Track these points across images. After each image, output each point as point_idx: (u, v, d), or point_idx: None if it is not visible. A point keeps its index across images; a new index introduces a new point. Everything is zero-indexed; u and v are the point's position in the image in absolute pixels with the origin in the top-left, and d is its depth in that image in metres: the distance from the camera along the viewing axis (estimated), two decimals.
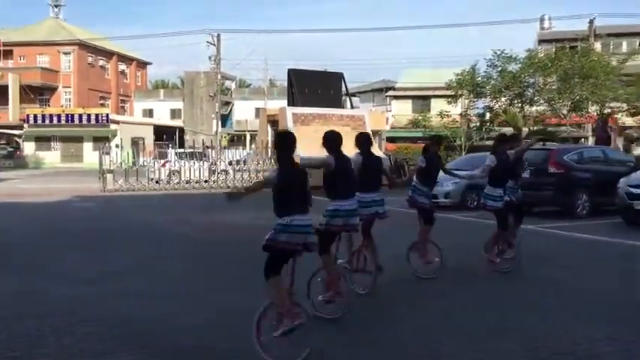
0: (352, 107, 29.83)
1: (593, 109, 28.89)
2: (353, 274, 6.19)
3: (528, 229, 12.03)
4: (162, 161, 25.65)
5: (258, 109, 47.43)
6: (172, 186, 23.63)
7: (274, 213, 4.62)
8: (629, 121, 28.95)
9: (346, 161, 5.75)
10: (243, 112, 59.55)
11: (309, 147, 22.05)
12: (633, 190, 12.12)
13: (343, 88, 27.08)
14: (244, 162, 26.17)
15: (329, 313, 5.53)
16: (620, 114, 28.39)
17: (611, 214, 13.05)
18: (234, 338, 5.04)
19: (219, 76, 48.60)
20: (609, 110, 28.41)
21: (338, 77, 27.03)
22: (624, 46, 35.06)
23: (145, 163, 25.68)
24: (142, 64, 67.81)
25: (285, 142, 4.77)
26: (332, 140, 5.70)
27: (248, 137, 54.39)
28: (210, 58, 49.16)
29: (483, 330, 5.32)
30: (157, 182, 23.81)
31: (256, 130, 33.64)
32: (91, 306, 6.14)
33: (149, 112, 59.74)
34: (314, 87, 25.30)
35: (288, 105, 24.91)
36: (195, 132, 50.85)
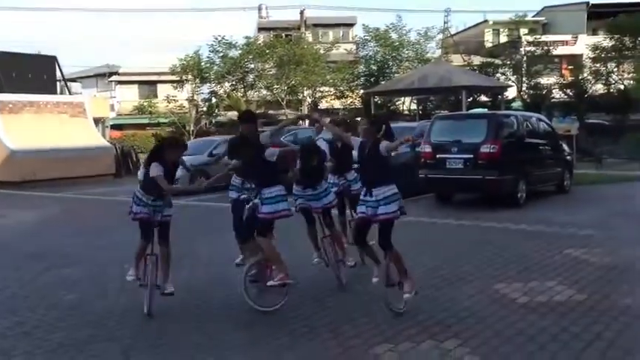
0: (70, 93, 27.75)
1: (306, 94, 31.61)
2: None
3: None
4: None
5: None
6: None
7: None
8: (336, 103, 32.37)
9: None
10: None
11: (21, 138, 20.21)
12: None
13: (58, 73, 25.01)
14: None
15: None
16: (329, 97, 31.59)
17: None
18: None
19: None
20: (319, 94, 31.41)
21: (51, 61, 24.85)
22: (330, 36, 38.98)
23: None
24: None
25: None
26: None
27: None
28: None
29: None
30: None
31: None
32: None
33: None
34: (23, 71, 22.88)
35: None
36: None
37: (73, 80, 39.76)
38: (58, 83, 25.41)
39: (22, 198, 16.66)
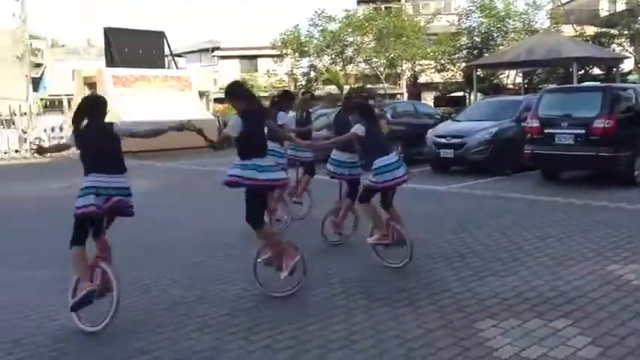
0: (177, 68, 28.94)
1: (405, 67, 31.05)
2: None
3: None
4: None
5: (74, 72, 44.03)
6: None
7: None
8: (437, 77, 31.57)
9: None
10: (59, 74, 54.67)
11: (133, 110, 21.38)
12: (439, 140, 13.37)
13: (166, 48, 26.14)
14: (61, 128, 24.28)
15: None
16: (429, 71, 30.86)
17: (422, 162, 14.28)
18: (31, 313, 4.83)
19: (26, 35, 43.99)
20: (419, 68, 30.74)
21: (160, 36, 26.01)
22: (432, 7, 37.91)
23: None
24: None
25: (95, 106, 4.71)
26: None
27: (65, 102, 50.38)
28: (13, 14, 44.24)
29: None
30: None
31: (73, 95, 31.25)
32: None
33: None
34: (134, 47, 24.14)
35: (107, 66, 23.52)
36: (2, 98, 45.90)
37: (179, 55, 41.51)
38: (165, 58, 26.59)
39: (131, 168, 17.61)
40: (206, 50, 51.53)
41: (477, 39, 29.36)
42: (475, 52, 29.01)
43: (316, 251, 6.40)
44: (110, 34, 24.00)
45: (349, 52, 30.15)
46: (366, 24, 29.07)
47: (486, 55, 27.02)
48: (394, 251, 5.87)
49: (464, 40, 30.44)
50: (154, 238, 7.61)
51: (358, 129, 5.85)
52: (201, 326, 4.51)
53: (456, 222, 8.05)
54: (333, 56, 30.37)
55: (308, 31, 30.18)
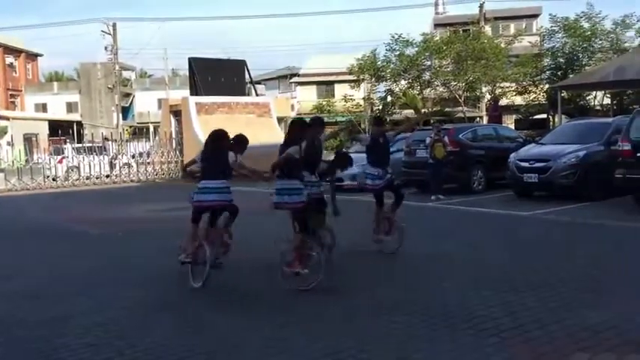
0: (257, 95, 29.74)
1: (485, 90, 30.39)
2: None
3: (429, 206, 12.64)
4: (59, 157, 24.43)
5: (160, 100, 46.17)
6: (71, 182, 22.59)
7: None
8: (518, 99, 30.68)
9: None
10: (145, 103, 57.59)
11: None
12: (522, 164, 12.94)
13: (247, 76, 26.94)
14: (148, 154, 25.46)
15: None
16: (510, 93, 30.04)
17: (504, 187, 13.88)
18: (152, 333, 5.00)
19: (117, 67, 46.73)
20: (500, 90, 30.01)
21: (241, 65, 26.86)
22: (512, 29, 37.07)
23: (40, 160, 24.33)
24: (32, 56, 63.75)
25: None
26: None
27: (151, 129, 52.80)
28: (106, 48, 47.10)
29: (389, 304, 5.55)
30: (53, 179, 22.67)
31: (159, 122, 32.77)
32: None
33: (42, 107, 56.43)
34: (217, 75, 25.00)
35: (191, 94, 24.48)
36: (94, 125, 48.72)
37: (258, 82, 42.66)
38: (246, 85, 27.38)
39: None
40: (284, 77, 52.77)
41: (561, 60, 28.34)
42: (559, 73, 28.00)
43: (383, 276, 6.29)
44: (194, 63, 25.02)
45: (427, 75, 29.90)
46: (444, 47, 28.77)
47: (571, 76, 26.04)
48: None
49: (547, 61, 29.46)
50: None
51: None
52: None
53: (541, 249, 7.72)
54: (410, 80, 30.19)
55: (385, 55, 30.22)
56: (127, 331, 5.05)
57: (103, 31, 43.67)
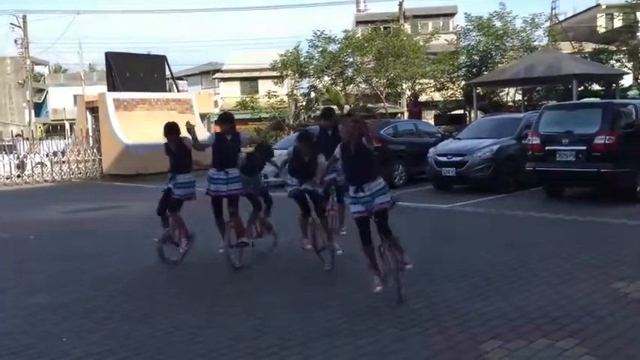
0: (178, 91, 29.10)
1: (405, 86, 31.16)
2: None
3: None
4: None
5: (76, 96, 44.28)
6: None
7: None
8: (436, 96, 31.65)
9: None
10: (60, 99, 55.13)
11: (135, 133, 21.41)
12: (440, 159, 13.37)
13: (167, 72, 26.30)
14: (63, 153, 24.36)
15: None
16: (429, 90, 30.97)
17: (424, 181, 14.29)
18: (48, 338, 4.80)
19: (28, 61, 44.41)
20: (419, 86, 30.87)
21: (161, 60, 26.16)
22: (430, 27, 38.18)
23: None
24: None
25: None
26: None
27: (67, 126, 50.60)
28: (16, 41, 44.77)
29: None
30: None
31: (75, 119, 31.45)
32: None
33: None
34: (136, 71, 24.21)
35: (109, 90, 23.61)
36: (4, 123, 46.18)
37: (180, 78, 41.77)
38: (167, 81, 26.73)
39: (135, 190, 17.66)
40: (207, 73, 51.90)
41: (476, 57, 29.51)
42: (474, 70, 29.15)
43: (316, 274, 6.36)
44: (112, 58, 24.14)
45: (349, 72, 30.30)
46: (366, 44, 29.25)
47: (485, 73, 27.15)
48: None
49: (463, 58, 30.62)
50: None
51: None
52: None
53: (459, 241, 8.04)
54: (333, 77, 30.51)
55: (308, 52, 30.35)
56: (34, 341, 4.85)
57: (12, 23, 41.42)
